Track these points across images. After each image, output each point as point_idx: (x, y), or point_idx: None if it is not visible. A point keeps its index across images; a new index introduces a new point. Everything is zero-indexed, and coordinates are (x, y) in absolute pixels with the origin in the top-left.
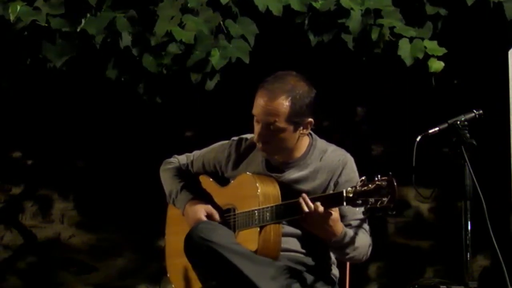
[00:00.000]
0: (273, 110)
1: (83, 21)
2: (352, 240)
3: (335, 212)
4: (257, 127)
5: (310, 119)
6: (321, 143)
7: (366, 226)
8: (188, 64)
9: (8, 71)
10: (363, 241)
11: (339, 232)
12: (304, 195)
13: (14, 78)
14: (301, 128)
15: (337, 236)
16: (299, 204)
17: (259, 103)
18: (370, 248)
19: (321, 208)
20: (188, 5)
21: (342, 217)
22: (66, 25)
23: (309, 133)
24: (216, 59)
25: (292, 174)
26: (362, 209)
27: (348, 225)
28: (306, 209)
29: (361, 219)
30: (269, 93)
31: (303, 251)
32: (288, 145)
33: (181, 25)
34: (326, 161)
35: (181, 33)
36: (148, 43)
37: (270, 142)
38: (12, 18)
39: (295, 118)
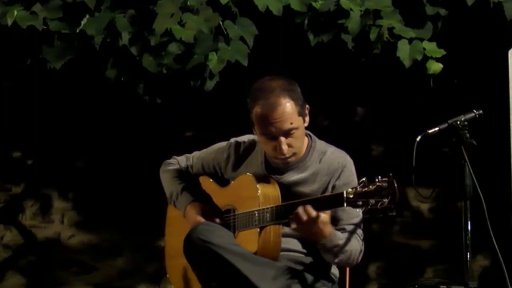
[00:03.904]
0: (285, 115)
1: (82, 22)
2: (342, 243)
3: (324, 214)
4: (274, 143)
5: (307, 105)
6: (320, 144)
7: (359, 231)
8: (187, 67)
9: (8, 71)
10: (354, 246)
11: (327, 234)
12: (300, 208)
13: (14, 78)
14: (306, 118)
15: (325, 238)
16: (298, 213)
17: (268, 119)
18: (361, 254)
19: (313, 213)
20: (188, 3)
21: (338, 220)
22: (65, 27)
23: (308, 134)
24: (214, 63)
25: (292, 176)
26: (360, 212)
27: (342, 229)
28: (304, 218)
29: (355, 224)
30: (271, 106)
31: (303, 251)
32: (302, 143)
33: (181, 23)
34: (325, 163)
35: (180, 32)
36: (148, 43)
37: (295, 148)
38: (9, 22)
39: (301, 109)
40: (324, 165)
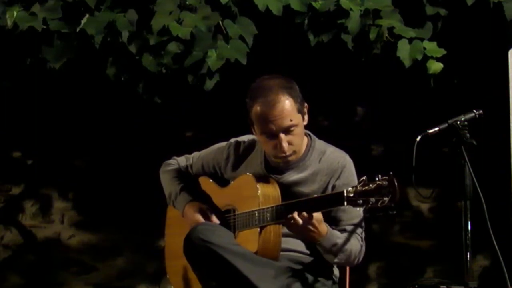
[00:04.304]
0: (285, 112)
1: (82, 22)
2: (341, 242)
3: (317, 213)
4: (274, 142)
5: (306, 104)
6: (319, 144)
7: (359, 230)
8: (186, 64)
9: (8, 71)
10: (354, 245)
11: (323, 232)
12: (295, 213)
13: (14, 78)
14: (305, 116)
15: (322, 237)
16: (294, 219)
17: (268, 117)
18: (362, 253)
19: (306, 215)
20: (187, 2)
21: (339, 221)
22: (65, 27)
23: (308, 134)
24: (213, 60)
25: (292, 176)
26: (361, 212)
27: (343, 230)
28: (300, 223)
29: (355, 224)
30: (270, 103)
31: (303, 251)
32: (301, 141)
33: (179, 21)
34: (325, 163)
35: (177, 29)
36: (147, 42)
37: (295, 146)
38: (9, 23)
39: (300, 107)
40: (324, 164)
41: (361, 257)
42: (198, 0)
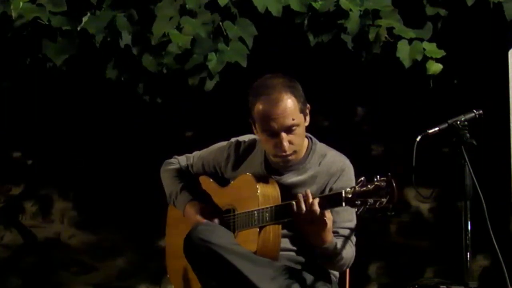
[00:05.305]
0: (287, 111)
1: (83, 20)
2: (340, 251)
3: (329, 221)
4: (275, 140)
5: (308, 105)
6: (320, 147)
7: (353, 237)
8: (186, 67)
9: (8, 71)
10: (348, 253)
11: (329, 239)
12: (300, 195)
13: (14, 78)
14: (307, 117)
15: (326, 243)
16: (297, 203)
17: (270, 115)
18: (353, 259)
19: (316, 207)
20: (187, 6)
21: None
22: (67, 24)
23: (309, 136)
24: (213, 64)
25: (291, 178)
26: (354, 217)
27: (335, 232)
28: (303, 208)
29: (350, 229)
30: (273, 101)
31: (303, 251)
32: (302, 141)
33: (179, 27)
34: (325, 166)
35: (178, 37)
36: (148, 42)
37: (296, 145)
38: (14, 14)
39: (302, 107)
40: (324, 168)
41: (351, 262)
42: (197, 4)
